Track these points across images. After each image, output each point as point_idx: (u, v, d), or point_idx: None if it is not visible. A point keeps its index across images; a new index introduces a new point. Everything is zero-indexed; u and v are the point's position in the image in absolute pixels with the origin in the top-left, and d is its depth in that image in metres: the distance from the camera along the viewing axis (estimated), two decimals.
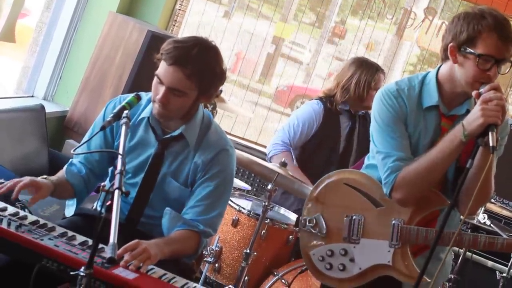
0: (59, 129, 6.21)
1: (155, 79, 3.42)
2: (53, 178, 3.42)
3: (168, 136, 3.53)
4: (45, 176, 3.36)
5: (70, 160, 3.62)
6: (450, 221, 3.13)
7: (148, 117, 3.53)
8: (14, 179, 3.18)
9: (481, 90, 3.20)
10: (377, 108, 3.49)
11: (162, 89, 3.38)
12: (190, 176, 3.52)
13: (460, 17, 3.31)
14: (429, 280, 3.20)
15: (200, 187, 3.52)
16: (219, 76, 3.49)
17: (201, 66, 3.37)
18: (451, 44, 3.31)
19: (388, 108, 3.44)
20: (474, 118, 3.16)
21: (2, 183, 3.19)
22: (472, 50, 3.25)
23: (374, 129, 3.50)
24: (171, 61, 3.35)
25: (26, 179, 3.16)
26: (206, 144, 3.54)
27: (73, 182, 3.52)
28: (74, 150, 3.03)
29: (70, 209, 3.55)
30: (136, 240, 3.06)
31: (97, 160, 3.59)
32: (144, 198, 3.54)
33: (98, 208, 3.59)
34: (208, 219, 3.49)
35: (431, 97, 3.43)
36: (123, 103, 3.16)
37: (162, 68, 3.38)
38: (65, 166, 3.58)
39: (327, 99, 5.38)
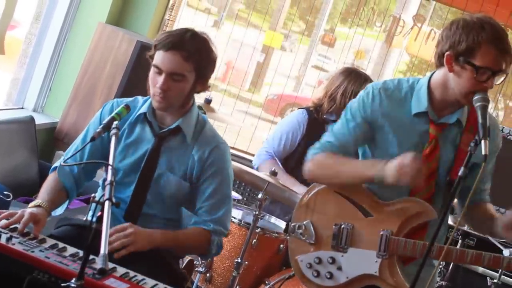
0: (49, 140, 6.21)
1: (152, 71, 3.51)
2: (46, 200, 3.40)
3: (165, 129, 3.57)
4: (39, 203, 3.35)
5: (63, 159, 3.62)
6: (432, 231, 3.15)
7: (145, 113, 3.59)
8: (11, 211, 3.17)
9: (475, 97, 3.22)
10: (357, 98, 3.55)
11: (161, 78, 3.46)
12: (189, 170, 3.58)
13: (459, 25, 3.29)
14: None
15: (202, 187, 3.59)
16: (212, 59, 3.59)
17: (196, 48, 3.48)
18: (448, 52, 3.29)
19: (361, 104, 3.49)
20: (388, 173, 3.27)
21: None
22: (470, 61, 3.24)
23: (346, 106, 3.59)
24: (168, 47, 3.45)
25: (26, 215, 3.14)
26: (202, 139, 3.61)
27: (65, 183, 3.55)
28: (65, 161, 3.04)
29: (58, 209, 3.54)
30: (128, 223, 3.08)
31: (89, 158, 3.61)
32: (142, 196, 3.57)
33: (89, 219, 3.59)
34: (216, 218, 3.58)
35: (421, 103, 3.42)
36: (112, 114, 3.18)
37: (159, 57, 3.47)
38: (57, 167, 3.58)
39: (315, 109, 5.36)
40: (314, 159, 3.56)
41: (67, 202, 3.58)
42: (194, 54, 3.46)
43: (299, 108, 5.50)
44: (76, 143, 3.67)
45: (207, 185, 3.58)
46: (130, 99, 3.69)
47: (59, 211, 3.55)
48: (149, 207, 3.57)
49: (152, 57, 3.52)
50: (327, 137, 3.60)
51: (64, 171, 3.57)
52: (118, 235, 3.04)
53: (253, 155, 7.32)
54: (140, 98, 3.68)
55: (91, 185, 3.83)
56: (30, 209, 3.26)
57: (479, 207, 3.56)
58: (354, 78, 5.25)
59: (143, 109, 3.60)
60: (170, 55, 3.45)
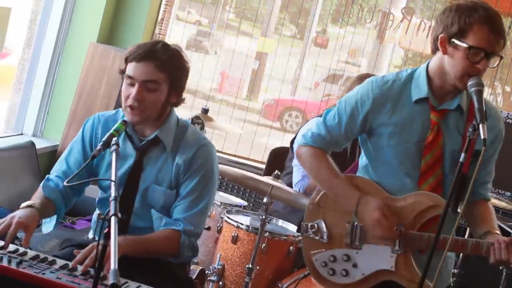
0: (51, 163, 6.16)
1: (125, 83, 3.48)
2: (37, 203, 3.39)
3: (145, 141, 3.55)
4: (30, 203, 3.35)
5: (47, 176, 3.62)
6: (447, 223, 3.13)
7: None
8: None
9: (469, 83, 3.23)
10: (357, 88, 3.57)
11: (134, 89, 3.43)
12: (173, 179, 3.53)
13: (452, 9, 3.34)
14: (431, 284, 3.18)
15: (183, 185, 3.53)
16: (185, 69, 3.57)
17: (168, 56, 3.46)
18: (441, 35, 3.33)
19: (359, 99, 3.51)
20: (369, 222, 3.45)
21: None
22: (462, 42, 3.27)
23: (341, 99, 3.60)
24: (140, 57, 3.43)
25: (13, 225, 3.13)
26: (184, 145, 3.56)
27: (52, 198, 3.51)
28: (67, 182, 3.03)
29: (48, 225, 3.53)
30: (91, 245, 3.06)
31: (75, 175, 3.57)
32: (127, 210, 3.52)
33: (96, 237, 3.59)
34: (189, 216, 3.49)
35: (421, 90, 3.44)
36: (111, 131, 3.17)
37: (132, 67, 3.45)
38: (42, 182, 3.58)
39: None
40: (308, 150, 3.62)
41: (55, 216, 3.54)
42: (166, 63, 3.44)
43: (314, 117, 5.46)
44: (60, 161, 3.64)
45: (189, 182, 3.52)
46: (112, 112, 3.68)
47: (49, 227, 3.53)
48: (140, 220, 3.53)
49: (123, 71, 3.50)
50: (319, 128, 3.60)
51: (49, 187, 3.54)
52: (84, 254, 3.01)
53: (255, 160, 7.34)
54: (121, 111, 3.62)
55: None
56: (19, 213, 3.25)
57: (479, 206, 3.57)
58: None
59: None
60: (142, 65, 3.42)
